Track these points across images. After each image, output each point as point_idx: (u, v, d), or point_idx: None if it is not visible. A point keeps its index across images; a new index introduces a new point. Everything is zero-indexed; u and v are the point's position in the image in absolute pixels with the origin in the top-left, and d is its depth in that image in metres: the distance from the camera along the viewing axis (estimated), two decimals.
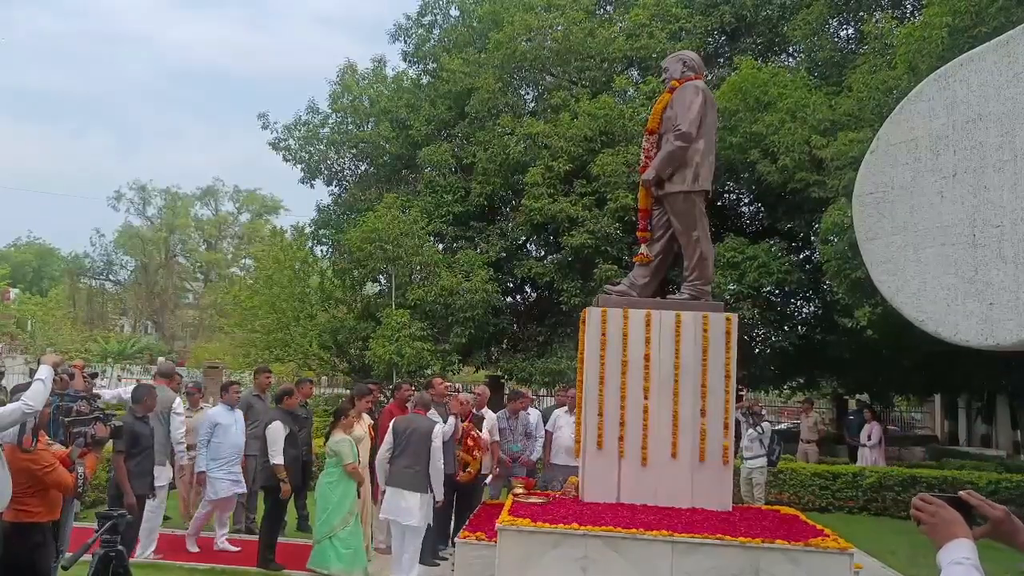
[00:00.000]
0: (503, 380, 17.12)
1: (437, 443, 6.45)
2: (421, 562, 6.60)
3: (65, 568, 5.45)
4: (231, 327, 26.34)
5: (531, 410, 9.32)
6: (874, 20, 12.63)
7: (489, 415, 8.57)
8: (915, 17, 13.01)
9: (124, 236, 48.36)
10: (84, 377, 8.33)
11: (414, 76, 18.76)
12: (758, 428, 10.00)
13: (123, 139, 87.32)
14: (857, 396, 16.14)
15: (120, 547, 4.29)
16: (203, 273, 51.52)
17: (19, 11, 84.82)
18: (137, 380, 20.11)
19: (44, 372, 4.48)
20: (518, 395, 9.43)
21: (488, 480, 8.46)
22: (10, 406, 4.31)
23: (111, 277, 51.00)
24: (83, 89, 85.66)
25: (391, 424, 6.80)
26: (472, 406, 8.26)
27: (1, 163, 78.07)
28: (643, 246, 6.84)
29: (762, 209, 16.37)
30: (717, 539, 5.13)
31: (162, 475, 7.05)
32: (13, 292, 45.70)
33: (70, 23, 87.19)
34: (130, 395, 7.05)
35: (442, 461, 6.55)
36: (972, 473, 11.62)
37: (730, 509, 6.11)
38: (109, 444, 5.17)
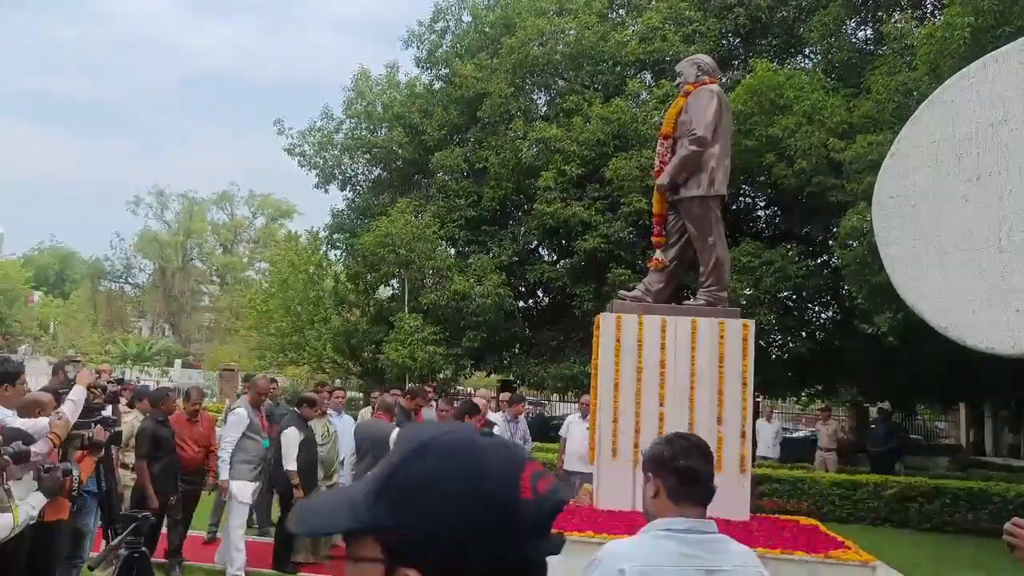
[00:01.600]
0: (515, 385, 17.05)
1: None
2: None
3: (91, 568, 5.44)
4: (246, 330, 26.48)
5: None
6: (893, 21, 12.46)
7: (496, 418, 8.54)
8: (935, 17, 12.83)
9: (143, 240, 48.86)
10: (112, 381, 8.19)
11: (427, 82, 18.78)
12: None
13: (142, 144, 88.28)
14: (878, 404, 15.89)
15: (144, 548, 4.28)
16: (219, 276, 51.92)
17: (42, 19, 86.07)
18: (156, 382, 20.26)
19: (77, 393, 4.49)
20: (520, 399, 9.39)
21: None
22: (40, 421, 4.31)
23: (130, 280, 51.55)
24: (104, 95, 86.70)
25: (354, 430, 7.01)
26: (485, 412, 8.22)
27: (25, 169, 79.21)
28: (658, 251, 6.75)
29: (778, 213, 16.20)
30: None
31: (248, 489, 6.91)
32: (36, 295, 46.29)
33: (91, 30, 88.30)
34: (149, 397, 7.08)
35: None
36: (1000, 485, 11.32)
37: (748, 519, 5.99)
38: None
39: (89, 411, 4.84)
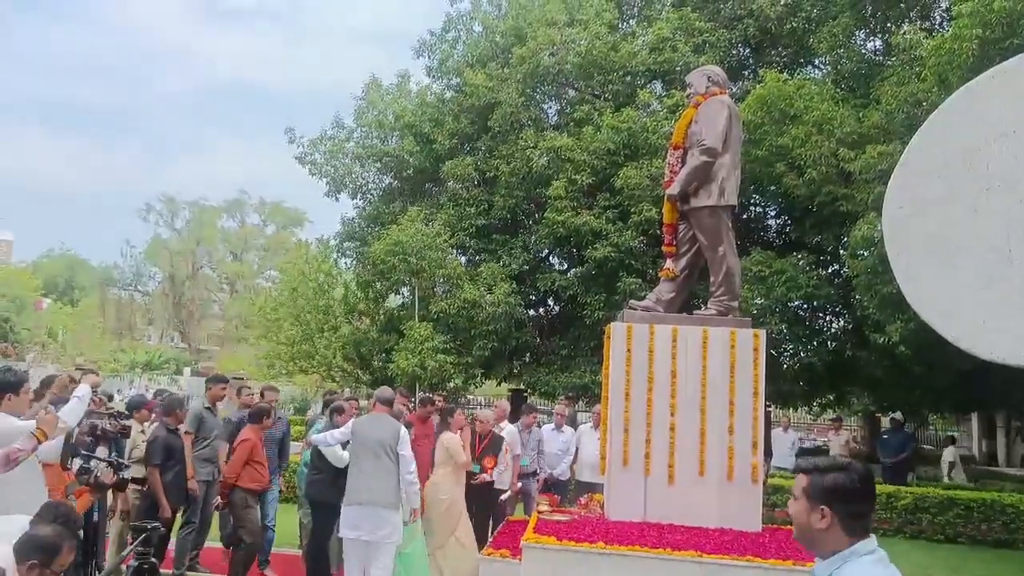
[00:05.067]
0: (526, 394, 17.06)
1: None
2: None
3: None
4: (256, 338, 26.64)
5: (566, 428, 9.29)
6: (902, 32, 12.47)
7: (509, 428, 8.56)
8: (944, 29, 12.84)
9: (153, 247, 49.14)
10: (100, 399, 7.48)
11: (438, 91, 18.87)
12: None
13: (154, 152, 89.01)
14: (891, 414, 15.81)
15: (153, 559, 4.32)
16: (229, 284, 52.13)
17: (55, 27, 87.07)
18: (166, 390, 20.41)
19: (82, 391, 4.57)
20: (530, 409, 9.41)
21: (505, 496, 8.42)
22: (24, 422, 4.36)
23: (139, 288, 51.85)
24: (116, 102, 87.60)
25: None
26: (492, 424, 8.24)
27: (35, 175, 79.94)
28: (668, 261, 6.80)
29: (789, 222, 16.18)
30: (747, 561, 5.03)
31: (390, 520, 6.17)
32: (45, 302, 46.65)
33: (106, 38, 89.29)
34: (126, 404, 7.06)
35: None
36: (1014, 495, 11.25)
37: (760, 529, 6.00)
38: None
39: (99, 439, 4.86)
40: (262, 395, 8.06)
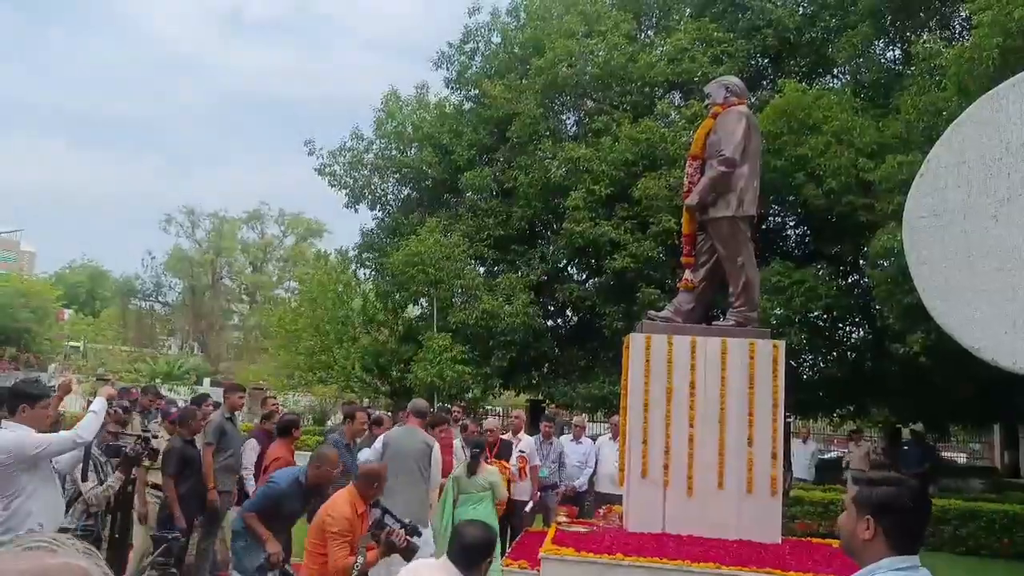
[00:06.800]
0: (544, 404, 17.05)
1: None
2: None
3: None
4: (275, 349, 26.82)
5: (584, 439, 9.29)
6: (921, 41, 12.44)
7: (527, 440, 8.56)
8: (964, 38, 12.78)
9: (173, 258, 49.56)
10: (116, 411, 6.59)
11: (456, 102, 19.02)
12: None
13: (175, 163, 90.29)
14: (911, 425, 15.64)
15: (174, 569, 4.35)
16: (248, 295, 52.48)
17: (78, 39, 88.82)
18: (184, 401, 20.60)
19: (98, 404, 4.58)
20: (549, 419, 9.38)
21: (528, 508, 8.42)
22: (62, 434, 4.42)
23: (160, 299, 52.27)
24: (137, 114, 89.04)
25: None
26: (499, 432, 8.24)
27: (59, 187, 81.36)
28: (687, 272, 6.80)
29: (808, 233, 16.12)
30: (766, 572, 5.01)
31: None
32: (67, 313, 47.21)
33: (129, 51, 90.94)
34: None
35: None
36: None
37: (779, 541, 5.96)
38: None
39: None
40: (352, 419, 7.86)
